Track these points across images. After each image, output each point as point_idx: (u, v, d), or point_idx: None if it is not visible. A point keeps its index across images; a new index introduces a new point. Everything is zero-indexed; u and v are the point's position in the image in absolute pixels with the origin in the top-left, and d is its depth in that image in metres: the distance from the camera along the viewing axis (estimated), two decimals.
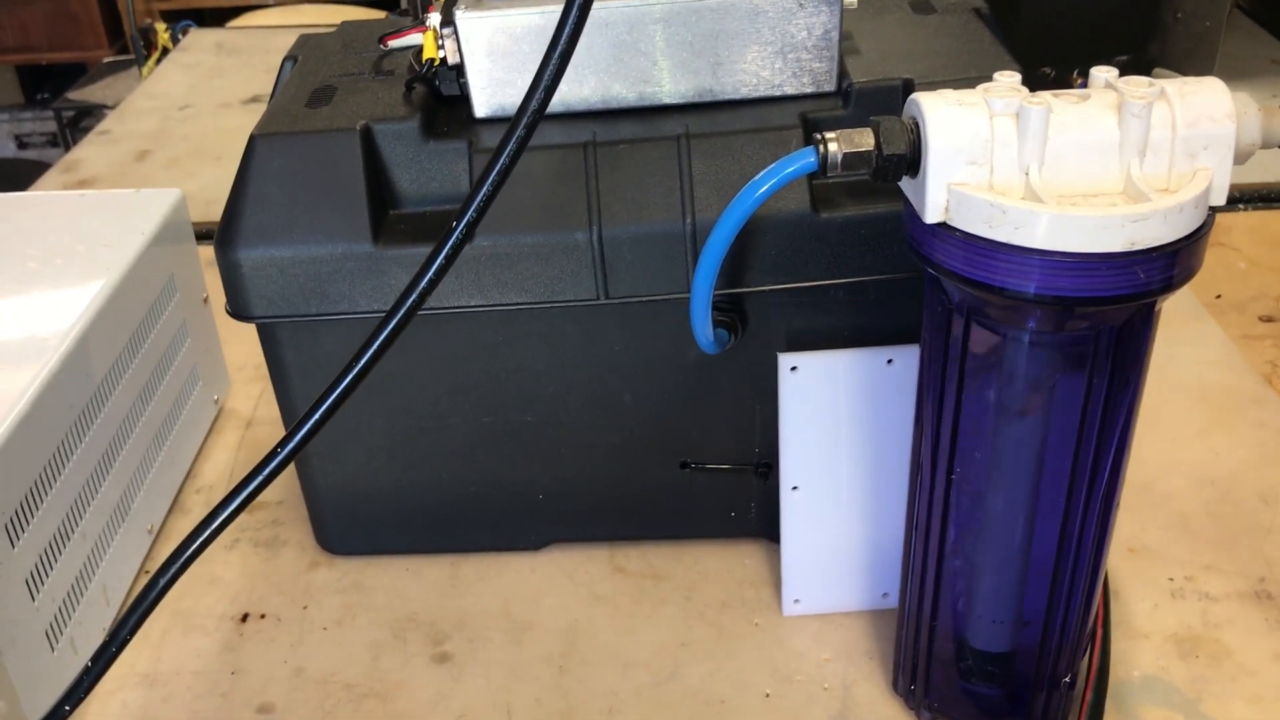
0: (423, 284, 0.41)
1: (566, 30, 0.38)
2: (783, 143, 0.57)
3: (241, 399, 0.84)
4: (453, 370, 0.63)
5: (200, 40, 1.58)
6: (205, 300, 0.80)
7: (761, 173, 0.47)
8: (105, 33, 2.93)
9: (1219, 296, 0.92)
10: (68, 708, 0.46)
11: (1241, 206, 1.05)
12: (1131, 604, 0.65)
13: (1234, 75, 1.28)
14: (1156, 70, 1.30)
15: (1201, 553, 0.68)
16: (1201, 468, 0.74)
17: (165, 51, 1.63)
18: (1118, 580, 0.66)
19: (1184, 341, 0.86)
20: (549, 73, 0.39)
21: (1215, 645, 0.62)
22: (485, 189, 0.40)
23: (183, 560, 0.43)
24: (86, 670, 0.46)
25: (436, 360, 0.63)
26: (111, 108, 1.41)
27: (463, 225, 0.40)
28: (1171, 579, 0.66)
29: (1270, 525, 0.69)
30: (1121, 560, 0.67)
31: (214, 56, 1.51)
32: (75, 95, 2.82)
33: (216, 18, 2.56)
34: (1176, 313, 0.89)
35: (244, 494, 0.42)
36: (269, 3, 2.48)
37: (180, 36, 1.62)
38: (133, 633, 0.45)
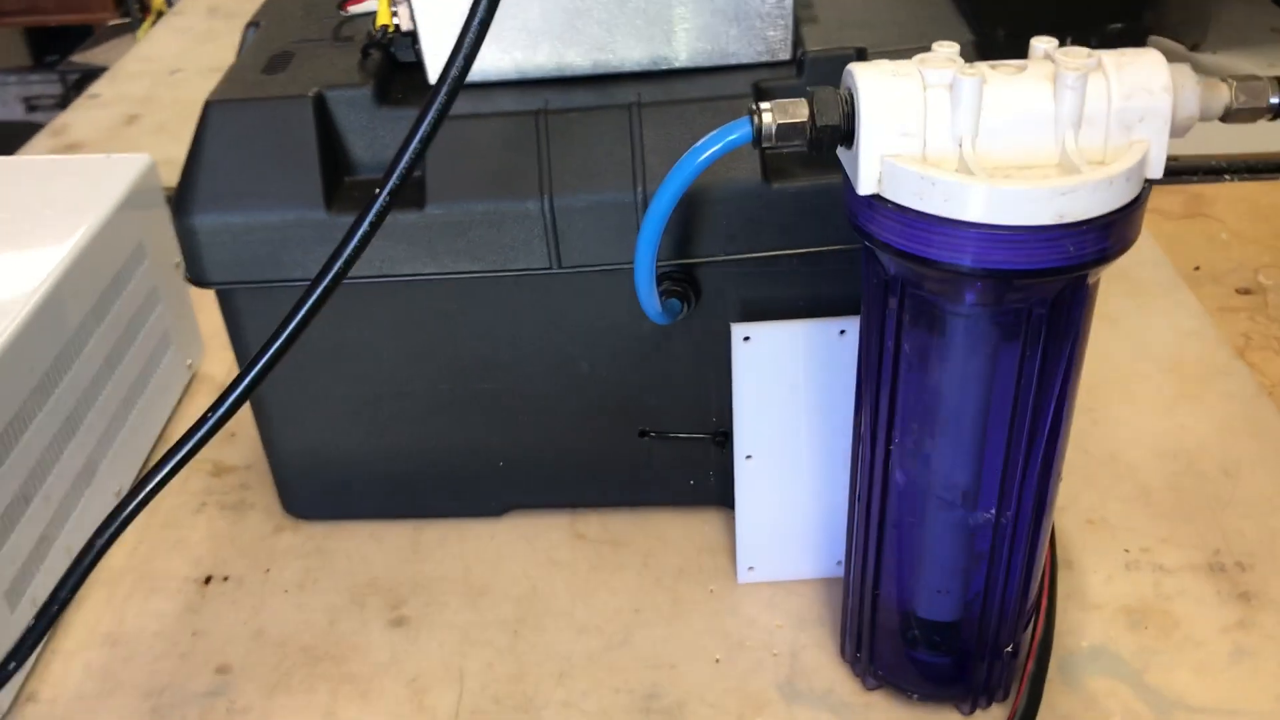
0: (347, 251, 0.41)
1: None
2: (735, 111, 0.56)
3: (216, 364, 0.84)
4: (411, 338, 0.63)
5: (193, 4, 1.57)
6: (177, 266, 0.81)
7: (699, 142, 0.47)
8: None
9: (1198, 268, 0.92)
10: (13, 664, 0.47)
11: (1227, 177, 1.04)
12: (1086, 575, 0.65)
13: (1232, 44, 1.27)
14: (1151, 39, 1.28)
15: (1159, 525, 0.68)
16: (1167, 440, 0.74)
17: (160, 14, 1.63)
18: (1074, 551, 0.66)
19: (1158, 312, 0.86)
20: (469, 39, 0.39)
21: (1165, 617, 0.62)
22: (408, 155, 0.40)
23: (121, 519, 0.43)
24: (30, 628, 0.47)
25: (394, 328, 0.63)
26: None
27: (386, 191, 0.40)
28: (1128, 550, 0.66)
29: (1230, 498, 0.69)
30: (1080, 532, 0.68)
31: (206, 20, 1.51)
32: (79, 58, 2.82)
33: None
34: (1152, 283, 0.89)
35: (177, 457, 0.43)
36: None
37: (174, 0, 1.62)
38: (74, 591, 0.46)
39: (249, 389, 0.42)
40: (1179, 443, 0.74)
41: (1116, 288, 0.88)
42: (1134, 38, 1.22)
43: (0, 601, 0.58)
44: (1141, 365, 0.81)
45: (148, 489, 0.43)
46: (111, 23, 2.90)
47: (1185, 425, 0.75)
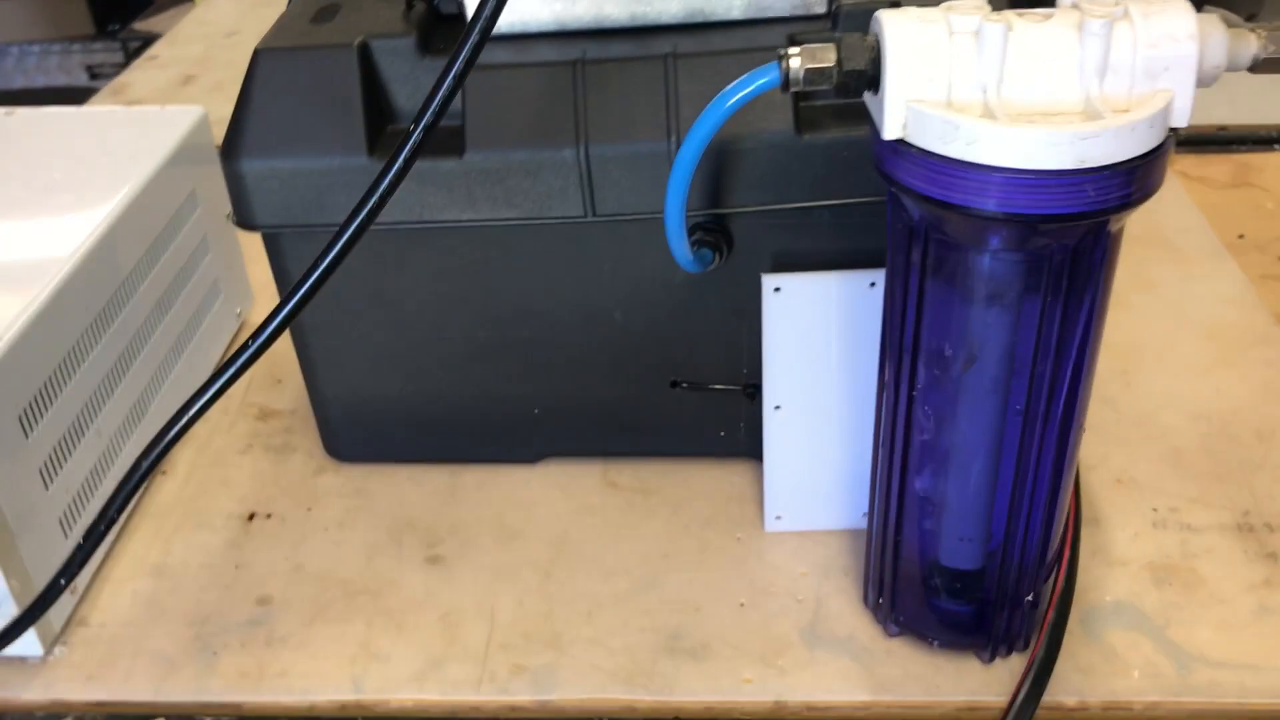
0: (382, 187, 0.42)
1: None
2: (769, 63, 0.58)
3: (265, 313, 0.86)
4: (448, 285, 0.65)
5: None
6: (228, 216, 0.83)
7: (727, 88, 0.48)
8: None
9: (1242, 236, 0.91)
10: (63, 581, 0.50)
11: (1277, 147, 1.03)
12: (1112, 532, 0.65)
13: None
14: (1207, 7, 1.27)
15: (1189, 485, 0.68)
16: (1202, 403, 0.74)
17: None
18: (1101, 509, 0.67)
19: (1200, 279, 0.86)
20: None
21: (1190, 574, 0.62)
22: (442, 93, 0.41)
23: (163, 445, 0.45)
24: (79, 547, 0.49)
25: (433, 275, 0.65)
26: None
27: (420, 128, 0.42)
28: (1155, 509, 0.67)
29: (1262, 461, 0.69)
30: (1108, 490, 0.68)
31: None
32: (140, 26, 2.87)
33: None
34: (1195, 251, 0.89)
35: (215, 387, 0.45)
36: None
37: None
38: (119, 512, 0.48)
39: (287, 319, 0.44)
40: (1213, 406, 0.74)
41: (1159, 254, 0.88)
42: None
43: (55, 528, 0.61)
44: (1180, 331, 0.81)
45: (192, 411, 0.45)
46: None
47: (1221, 390, 0.75)
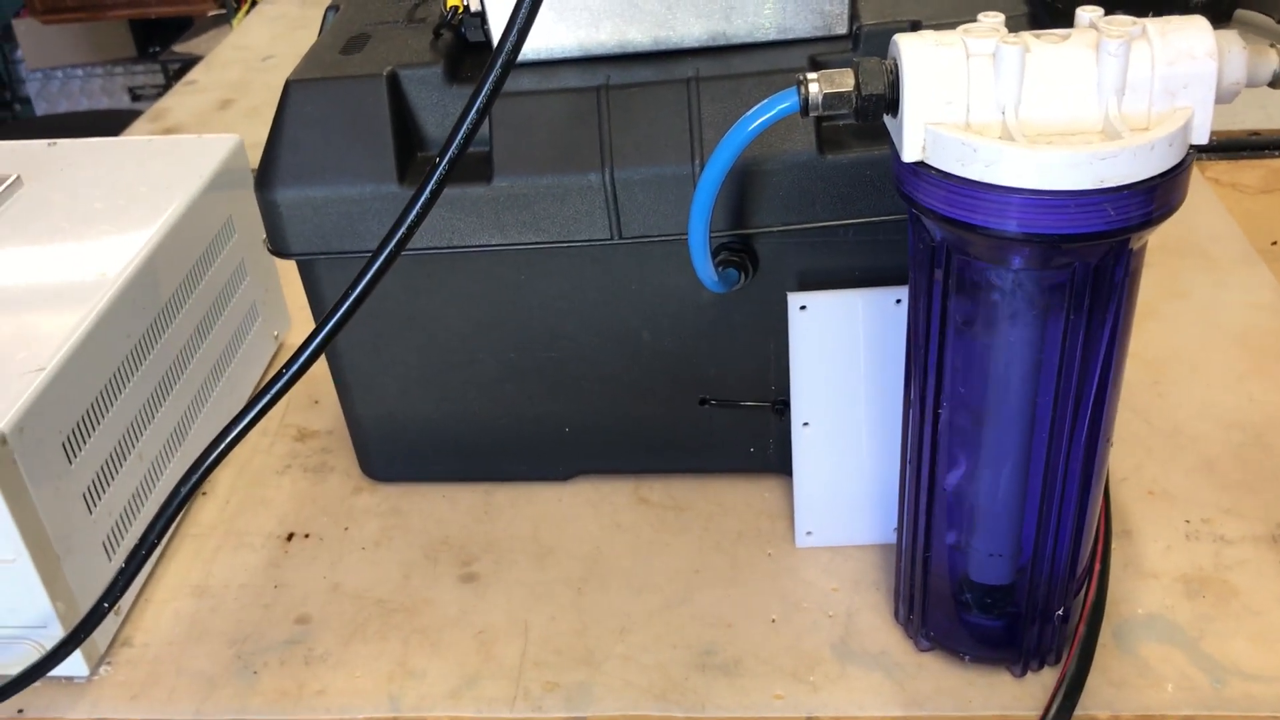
0: (411, 215, 0.43)
1: None
2: (790, 85, 0.58)
3: (302, 335, 0.88)
4: (479, 308, 0.66)
5: None
6: (265, 241, 0.84)
7: (748, 112, 0.49)
8: None
9: (1275, 243, 0.90)
10: (106, 604, 0.51)
11: None
12: (1145, 545, 0.65)
13: None
14: (1239, 12, 1.26)
15: (1222, 497, 0.68)
16: (1235, 413, 0.74)
17: (254, 4, 1.69)
18: (1133, 521, 0.67)
19: (1232, 287, 0.85)
20: (519, 20, 0.41)
21: (1224, 586, 0.62)
22: (465, 126, 0.42)
23: (204, 468, 0.47)
24: (122, 571, 0.50)
25: (464, 298, 0.66)
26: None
27: (445, 161, 0.43)
28: (1188, 521, 0.66)
29: None
30: (1140, 502, 0.68)
31: (298, 9, 1.56)
32: (180, 48, 2.93)
33: None
34: (1227, 258, 0.88)
35: (253, 412, 0.46)
36: None
37: None
38: (160, 535, 0.49)
39: (323, 343, 0.45)
40: (1246, 416, 0.73)
41: (1190, 262, 0.88)
42: (1220, 10, 1.20)
43: (98, 550, 0.62)
44: (1212, 339, 0.80)
45: (231, 436, 0.46)
46: (210, 14, 3.00)
47: (1254, 399, 0.75)
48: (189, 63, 2.89)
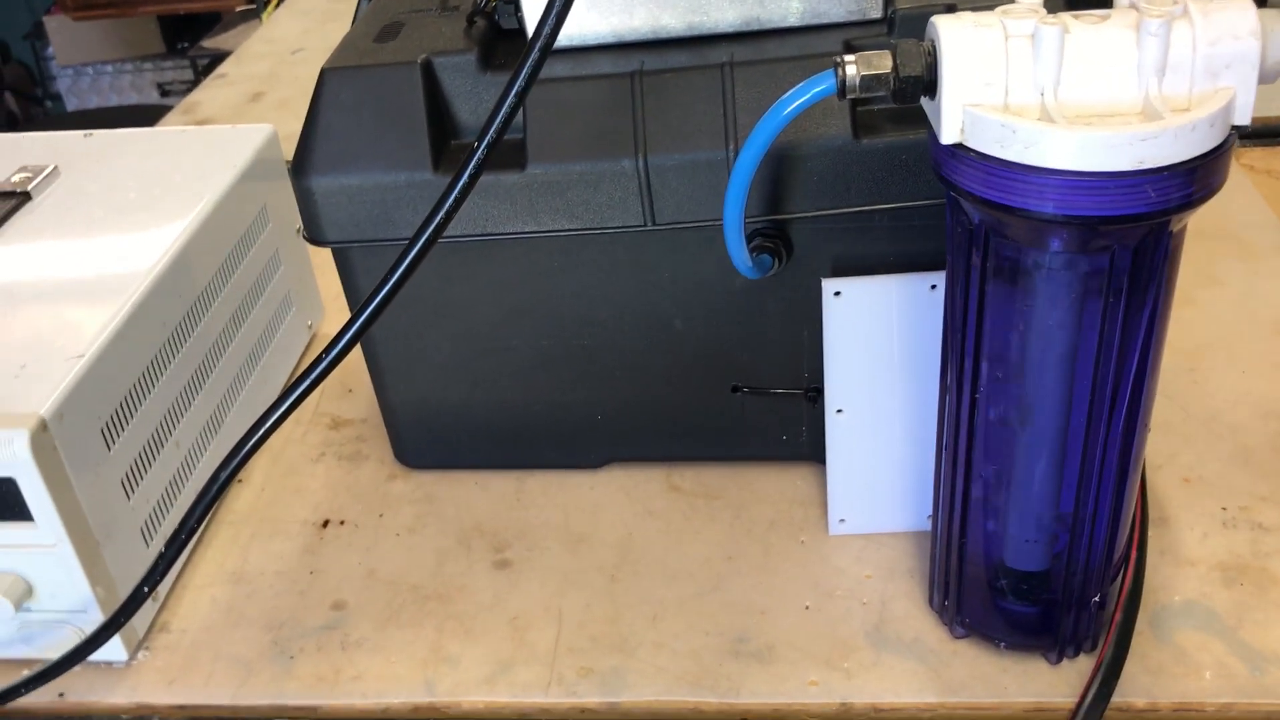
0: (448, 203, 0.44)
1: None
2: (824, 69, 0.58)
3: (335, 325, 0.89)
4: (511, 295, 0.66)
5: None
6: (299, 231, 0.85)
7: (784, 95, 0.49)
8: None
9: None
10: (146, 589, 0.51)
11: None
12: (1181, 532, 0.65)
13: None
14: None
15: (1259, 484, 0.67)
16: (1271, 400, 0.73)
17: None
18: (1169, 509, 0.66)
19: (1268, 275, 0.84)
20: (556, 5, 0.41)
21: (1262, 574, 0.62)
22: (504, 110, 0.42)
23: (242, 454, 0.47)
24: (161, 555, 0.51)
25: (497, 286, 0.66)
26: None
27: (484, 145, 0.43)
28: (1225, 509, 0.66)
29: None
30: (1176, 489, 0.67)
31: (327, 2, 1.57)
32: (209, 44, 2.95)
33: None
34: (1262, 245, 0.87)
35: (291, 399, 0.46)
36: None
37: None
38: (200, 521, 0.49)
39: (360, 330, 0.45)
40: None
41: (1225, 249, 0.87)
42: None
43: (136, 536, 0.63)
44: (1248, 327, 0.79)
45: (268, 424, 0.46)
46: (239, 9, 3.02)
47: None
48: (218, 58, 2.91)
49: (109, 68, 3.39)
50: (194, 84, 3.18)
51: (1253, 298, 0.82)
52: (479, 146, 0.43)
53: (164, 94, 3.37)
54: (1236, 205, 0.92)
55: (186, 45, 3.33)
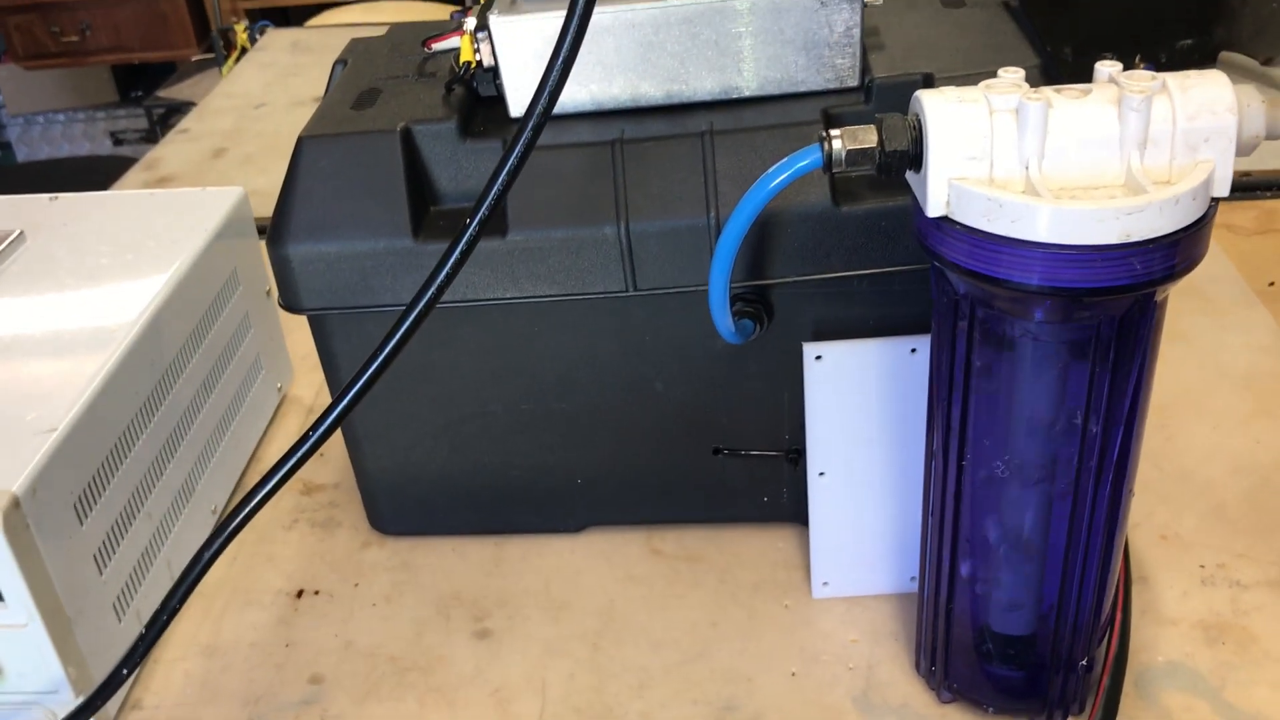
0: (440, 277, 0.43)
1: (567, 41, 0.40)
2: (804, 138, 0.58)
3: (304, 387, 0.88)
4: (492, 359, 0.66)
5: (276, 40, 1.63)
6: (268, 293, 0.84)
7: (771, 169, 0.49)
8: (193, 32, 3.03)
9: (1272, 284, 0.91)
10: (125, 671, 0.50)
11: None
12: (1161, 591, 0.65)
13: None
14: (1223, 55, 1.28)
15: (1235, 541, 0.68)
16: (1242, 456, 0.74)
17: (244, 51, 1.69)
18: (1148, 567, 0.67)
19: (1233, 329, 0.86)
20: (550, 83, 0.41)
21: (1243, 632, 0.62)
22: (496, 188, 0.42)
23: (224, 536, 0.46)
24: (141, 637, 0.49)
25: (476, 350, 0.65)
26: (196, 105, 1.47)
27: (476, 222, 0.43)
28: (1203, 566, 0.66)
29: None
30: (1153, 548, 0.68)
31: (289, 55, 1.56)
32: (164, 93, 2.92)
33: (301, 16, 2.63)
34: (1226, 300, 0.89)
35: (274, 480, 0.45)
36: (349, 1, 2.54)
37: (258, 36, 1.68)
38: (181, 601, 0.48)
39: (346, 410, 0.45)
40: (1254, 458, 0.74)
41: (1189, 305, 0.88)
42: (1205, 53, 1.22)
43: (108, 612, 0.61)
44: (1216, 382, 0.81)
45: (254, 501, 0.46)
46: (194, 59, 3.01)
47: (1261, 441, 0.75)
48: (173, 107, 2.89)
49: (61, 116, 3.36)
50: (148, 133, 3.16)
51: (1219, 353, 0.83)
52: (471, 222, 0.43)
53: (117, 143, 3.34)
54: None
55: (140, 94, 3.31)
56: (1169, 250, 0.44)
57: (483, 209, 0.42)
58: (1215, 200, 0.46)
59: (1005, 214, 0.44)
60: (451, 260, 0.43)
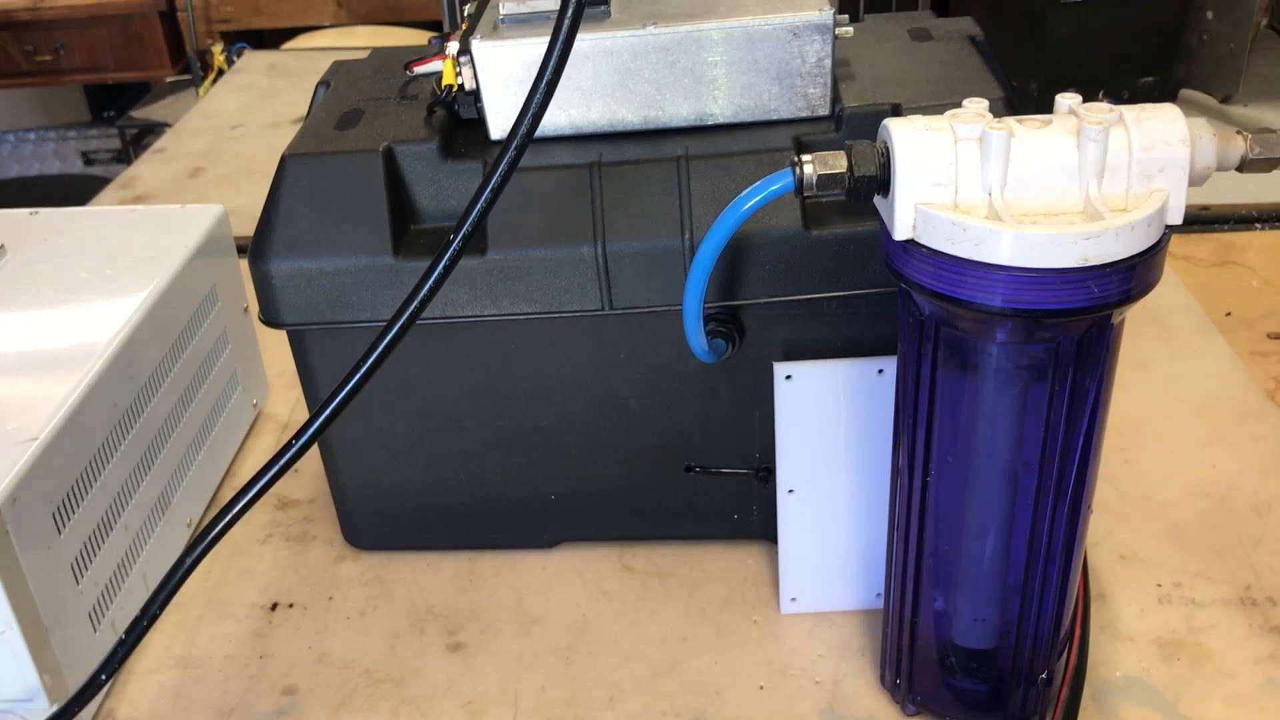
0: (423, 292, 0.44)
1: (551, 65, 0.42)
2: (776, 164, 0.60)
3: (279, 403, 0.88)
4: (469, 376, 0.67)
5: (253, 62, 1.64)
6: (245, 310, 0.85)
7: (744, 192, 0.51)
8: (168, 53, 3.02)
9: (1229, 314, 0.94)
10: (104, 677, 0.51)
11: (1258, 226, 1.06)
12: (1119, 608, 0.67)
13: (1262, 96, 1.29)
14: (1183, 92, 1.31)
15: (1192, 561, 0.70)
16: (1199, 479, 0.76)
17: (221, 72, 1.70)
18: (1107, 585, 0.68)
19: (1190, 356, 0.88)
20: (533, 106, 0.42)
21: (1197, 649, 0.64)
22: (479, 206, 0.43)
23: (205, 544, 0.47)
24: (120, 642, 0.50)
25: (453, 367, 0.66)
26: (171, 126, 1.48)
27: (459, 239, 0.44)
28: (1160, 585, 0.68)
29: (1261, 535, 0.71)
30: (1112, 567, 0.70)
31: (266, 78, 1.57)
32: (138, 114, 2.92)
33: (276, 39, 2.64)
34: (1184, 329, 0.91)
35: (256, 487, 0.46)
36: (325, 25, 2.56)
37: (235, 58, 1.69)
38: (161, 608, 0.49)
39: (325, 424, 0.46)
40: (1211, 482, 0.76)
41: (1150, 333, 0.91)
42: (1165, 91, 1.25)
43: (84, 621, 0.62)
44: (1174, 408, 0.83)
45: (239, 506, 0.46)
46: (169, 79, 3.01)
47: (1217, 465, 0.77)
48: (147, 128, 2.89)
49: (32, 135, 3.34)
50: (120, 153, 3.14)
51: (1177, 380, 0.85)
52: (454, 239, 0.44)
53: (88, 162, 3.33)
54: (1159, 290, 0.95)
55: (113, 114, 3.30)
56: (1125, 274, 0.46)
57: (465, 227, 0.44)
58: (1169, 228, 0.48)
59: (969, 238, 0.46)
60: (433, 277, 0.44)
